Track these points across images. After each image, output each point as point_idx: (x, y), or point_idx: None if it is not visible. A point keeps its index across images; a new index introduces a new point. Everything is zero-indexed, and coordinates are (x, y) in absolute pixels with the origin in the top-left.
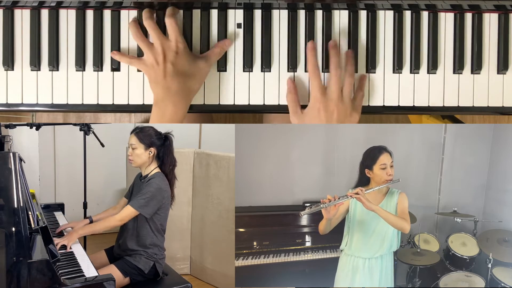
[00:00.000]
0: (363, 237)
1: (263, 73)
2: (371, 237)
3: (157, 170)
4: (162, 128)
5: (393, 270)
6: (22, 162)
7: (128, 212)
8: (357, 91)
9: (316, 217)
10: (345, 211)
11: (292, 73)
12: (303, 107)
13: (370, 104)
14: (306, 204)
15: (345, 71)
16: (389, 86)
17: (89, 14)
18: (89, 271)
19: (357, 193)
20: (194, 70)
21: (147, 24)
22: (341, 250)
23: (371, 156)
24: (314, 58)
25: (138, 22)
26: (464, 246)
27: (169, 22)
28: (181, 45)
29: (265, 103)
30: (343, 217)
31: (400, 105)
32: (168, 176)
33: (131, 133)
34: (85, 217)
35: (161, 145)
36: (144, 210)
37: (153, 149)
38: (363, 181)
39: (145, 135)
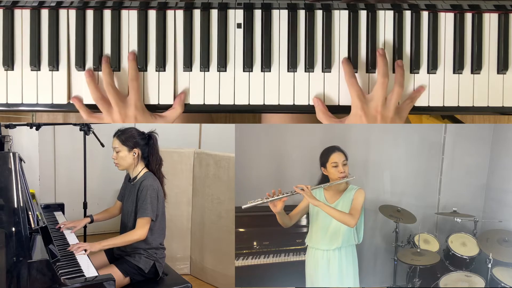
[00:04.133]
0: (321, 230)
1: (263, 73)
2: (328, 231)
3: (145, 170)
4: (145, 127)
5: (356, 263)
6: (22, 162)
7: (142, 223)
8: (406, 99)
9: None
10: (305, 207)
11: (292, 73)
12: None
13: None
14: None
15: (395, 80)
16: (390, 86)
17: (89, 14)
18: (89, 271)
19: (302, 189)
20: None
21: (107, 89)
22: (306, 243)
23: (324, 155)
24: (350, 69)
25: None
26: (464, 246)
27: (131, 85)
28: (140, 111)
29: (265, 103)
30: (305, 212)
31: None
32: (156, 175)
33: (114, 136)
34: (85, 216)
35: (145, 145)
36: (152, 214)
37: (137, 150)
38: (324, 179)
39: (127, 136)
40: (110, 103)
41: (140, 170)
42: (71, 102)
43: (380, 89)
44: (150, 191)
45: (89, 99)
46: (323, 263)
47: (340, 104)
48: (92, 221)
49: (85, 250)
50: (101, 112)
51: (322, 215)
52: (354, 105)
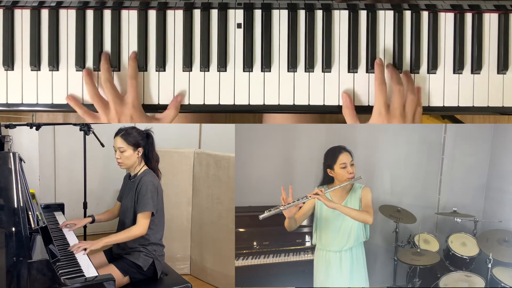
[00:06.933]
0: (331, 233)
1: (263, 73)
2: (339, 232)
3: (145, 167)
4: (140, 125)
5: (364, 261)
6: (22, 162)
7: (143, 218)
8: (416, 107)
9: None
10: (310, 209)
11: (292, 73)
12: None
13: (371, 105)
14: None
15: (407, 88)
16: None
17: (89, 14)
18: (89, 271)
19: (316, 194)
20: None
21: (105, 86)
22: (315, 245)
23: (331, 156)
24: (381, 74)
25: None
26: (464, 246)
27: (130, 83)
28: (137, 111)
29: (265, 103)
30: (310, 214)
31: None
32: (155, 172)
33: (116, 136)
34: (85, 217)
35: (146, 144)
36: (153, 208)
37: (140, 149)
38: (328, 180)
39: (131, 136)
40: (106, 102)
41: (141, 167)
42: (66, 101)
43: (397, 97)
44: (151, 187)
45: (86, 98)
46: (336, 264)
47: (340, 104)
48: (93, 221)
49: (85, 249)
50: (97, 111)
51: (332, 217)
52: (378, 114)
